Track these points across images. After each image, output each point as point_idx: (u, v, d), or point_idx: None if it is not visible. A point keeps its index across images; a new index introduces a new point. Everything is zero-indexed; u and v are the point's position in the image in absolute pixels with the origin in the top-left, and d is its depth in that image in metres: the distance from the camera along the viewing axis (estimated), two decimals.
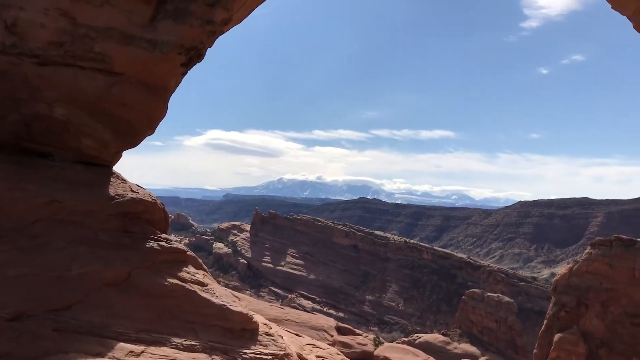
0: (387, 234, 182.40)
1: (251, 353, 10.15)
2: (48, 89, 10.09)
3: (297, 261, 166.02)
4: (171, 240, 11.34)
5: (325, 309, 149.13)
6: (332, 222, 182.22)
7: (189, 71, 11.25)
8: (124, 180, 11.90)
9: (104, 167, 11.88)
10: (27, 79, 10.03)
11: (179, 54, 9.82)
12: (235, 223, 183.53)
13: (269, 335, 11.13)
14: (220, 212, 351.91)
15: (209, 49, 11.12)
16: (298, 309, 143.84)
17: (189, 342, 9.58)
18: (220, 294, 10.98)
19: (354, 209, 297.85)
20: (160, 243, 10.86)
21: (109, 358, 8.29)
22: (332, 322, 61.19)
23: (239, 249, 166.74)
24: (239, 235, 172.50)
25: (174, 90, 11.34)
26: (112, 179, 11.62)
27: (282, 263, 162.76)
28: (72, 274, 9.52)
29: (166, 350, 9.13)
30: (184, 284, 10.48)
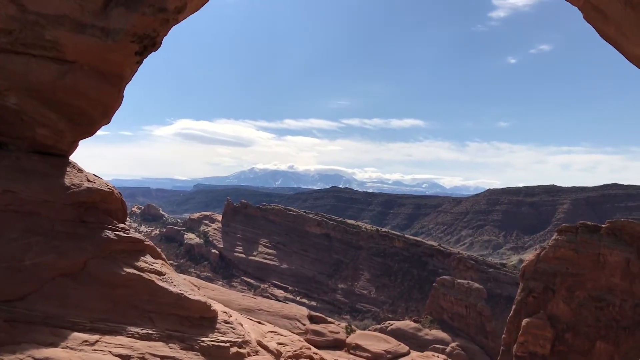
0: (359, 223, 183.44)
1: (209, 341, 10.22)
2: (2, 77, 9.91)
3: (270, 251, 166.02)
4: (128, 230, 11.29)
5: (298, 298, 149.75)
6: (304, 212, 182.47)
7: (144, 59, 11.18)
8: (80, 170, 11.77)
9: (60, 157, 11.73)
10: None
11: (131, 42, 9.76)
12: (207, 213, 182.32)
13: (228, 323, 11.20)
14: (192, 202, 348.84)
15: (165, 37, 11.06)
16: (270, 298, 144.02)
17: (145, 331, 9.61)
18: (178, 282, 11.00)
19: (326, 198, 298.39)
20: (117, 232, 10.81)
21: (62, 348, 8.27)
22: (304, 311, 61.50)
23: (210, 239, 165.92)
24: (210, 226, 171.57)
25: (129, 79, 11.24)
26: (68, 169, 11.49)
27: (255, 253, 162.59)
28: (26, 264, 9.44)
29: (122, 339, 9.14)
30: (141, 273, 10.47)
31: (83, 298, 9.46)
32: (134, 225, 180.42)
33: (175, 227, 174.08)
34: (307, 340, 56.12)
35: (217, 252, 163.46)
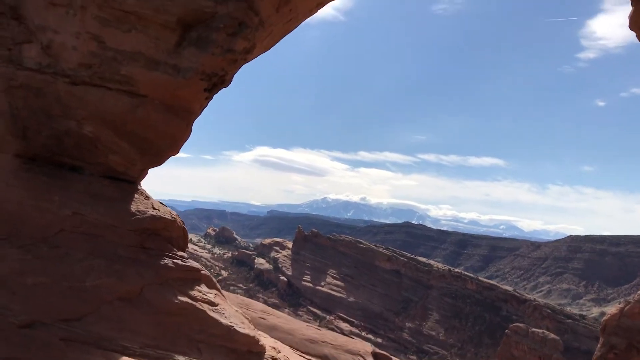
0: (431, 261, 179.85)
1: None
2: (78, 107, 10.60)
3: (337, 282, 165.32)
4: (187, 258, 11.60)
5: (363, 333, 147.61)
6: (375, 245, 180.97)
7: (214, 95, 11.63)
8: (147, 197, 12.28)
9: (130, 183, 12.30)
10: (60, 97, 10.56)
11: (201, 79, 10.17)
12: (278, 240, 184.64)
13: (275, 359, 11.19)
14: (264, 227, 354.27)
15: (241, 71, 11.50)
16: (336, 331, 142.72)
17: None
18: (229, 314, 11.15)
19: (398, 233, 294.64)
20: (175, 260, 11.13)
21: None
22: (368, 348, 60.35)
23: (280, 265, 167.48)
24: (280, 252, 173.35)
25: (198, 114, 11.71)
26: (136, 195, 12.01)
27: (322, 283, 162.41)
28: (87, 285, 9.89)
29: None
30: (194, 303, 10.69)
31: (136, 323, 9.77)
32: (208, 246, 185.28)
33: (247, 251, 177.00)
34: None
35: (286, 279, 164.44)
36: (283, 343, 60.96)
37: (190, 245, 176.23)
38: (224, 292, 14.03)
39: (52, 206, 10.86)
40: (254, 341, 10.92)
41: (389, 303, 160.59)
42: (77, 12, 9.63)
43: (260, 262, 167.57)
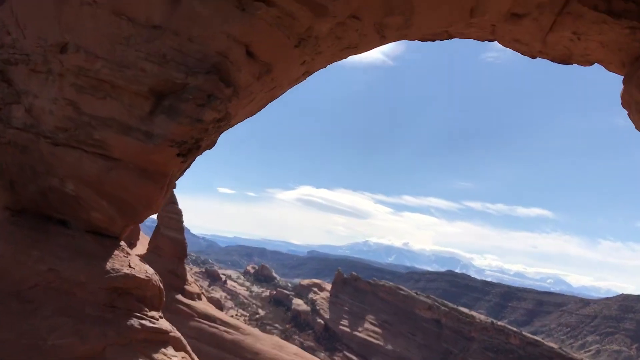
0: (473, 312, 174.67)
1: None
2: (59, 166, 11.01)
3: (375, 329, 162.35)
4: (157, 320, 11.66)
5: None
6: (416, 293, 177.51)
7: (196, 157, 11.89)
8: (127, 254, 12.49)
9: (112, 239, 12.57)
10: (43, 155, 11.01)
11: (170, 146, 10.43)
12: (317, 281, 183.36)
13: None
14: (304, 267, 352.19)
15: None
16: None
17: None
18: None
19: (440, 282, 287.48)
20: (142, 322, 11.22)
21: None
22: None
23: (317, 308, 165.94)
24: (319, 294, 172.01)
25: (177, 176, 11.98)
26: (116, 252, 12.24)
27: (360, 329, 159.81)
28: (48, 345, 10.05)
29: None
30: None
31: None
32: (247, 284, 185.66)
33: (285, 291, 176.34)
34: None
35: (323, 322, 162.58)
36: None
37: (229, 282, 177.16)
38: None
39: (29, 260, 11.16)
40: None
41: (428, 353, 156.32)
42: (55, 79, 10.13)
43: (298, 303, 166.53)
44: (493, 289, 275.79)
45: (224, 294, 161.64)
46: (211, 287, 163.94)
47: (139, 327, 11.06)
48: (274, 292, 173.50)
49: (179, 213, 71.20)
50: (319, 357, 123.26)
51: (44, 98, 10.26)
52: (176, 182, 12.81)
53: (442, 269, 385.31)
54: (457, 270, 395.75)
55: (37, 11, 10.18)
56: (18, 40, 10.39)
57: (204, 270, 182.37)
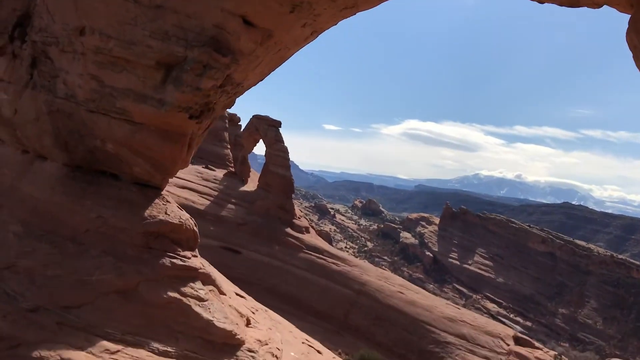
0: (591, 245, 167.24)
1: None
2: (96, 129, 12.92)
3: (486, 262, 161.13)
4: (188, 258, 13.52)
5: (511, 315, 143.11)
6: (528, 226, 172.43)
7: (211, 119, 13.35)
8: (166, 202, 14.39)
9: (154, 189, 14.52)
10: (84, 120, 12.94)
11: (179, 112, 11.92)
12: (425, 215, 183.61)
13: (252, 351, 12.78)
14: (411, 202, 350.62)
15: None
16: (482, 311, 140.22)
17: (165, 348, 11.68)
18: (215, 309, 12.91)
19: (556, 214, 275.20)
20: (173, 260, 13.11)
21: (86, 352, 10.72)
22: (510, 332, 59.53)
23: (425, 241, 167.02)
24: (427, 228, 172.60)
25: (198, 133, 13.51)
26: (156, 201, 14.16)
27: (469, 262, 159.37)
28: (93, 279, 12.22)
29: (141, 352, 11.33)
30: (182, 298, 12.60)
31: (124, 313, 11.90)
32: (355, 217, 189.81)
33: (393, 225, 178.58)
34: None
35: (431, 255, 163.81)
36: (421, 319, 61.11)
37: (337, 216, 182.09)
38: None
39: (83, 209, 13.36)
40: (231, 335, 12.57)
41: (542, 287, 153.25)
42: (79, 57, 11.85)
43: (406, 237, 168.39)
44: (614, 221, 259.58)
45: (333, 228, 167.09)
46: (320, 221, 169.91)
47: (169, 265, 12.96)
48: (382, 226, 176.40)
49: (285, 151, 74.24)
50: (427, 289, 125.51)
51: (73, 74, 12.06)
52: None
53: (558, 201, 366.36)
54: (574, 202, 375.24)
55: (60, 0, 11.83)
56: (49, 25, 12.17)
57: (313, 204, 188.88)
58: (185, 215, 14.40)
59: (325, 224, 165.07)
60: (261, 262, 61.84)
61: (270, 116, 78.84)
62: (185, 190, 67.03)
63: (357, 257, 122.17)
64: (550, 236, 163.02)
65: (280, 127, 76.54)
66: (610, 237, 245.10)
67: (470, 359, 49.47)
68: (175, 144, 12.91)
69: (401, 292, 59.04)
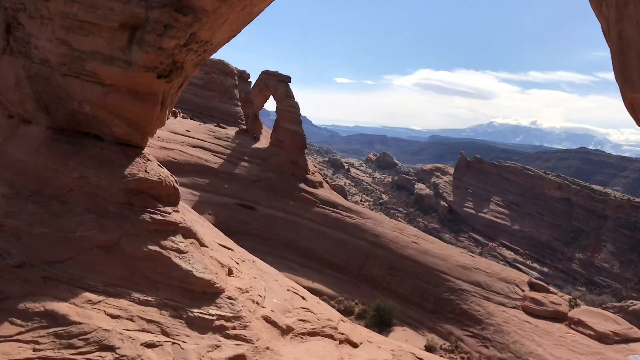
0: (608, 189, 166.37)
1: (197, 312, 12.67)
2: (72, 92, 13.37)
3: (501, 210, 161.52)
4: (168, 213, 14.14)
5: (528, 262, 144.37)
6: (544, 172, 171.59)
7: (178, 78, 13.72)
8: (146, 161, 14.93)
9: (135, 148, 15.05)
10: (59, 84, 13.39)
11: (145, 72, 12.31)
12: (439, 165, 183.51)
13: (231, 299, 13.49)
14: (425, 153, 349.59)
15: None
16: (498, 258, 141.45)
17: (146, 298, 12.41)
18: (195, 260, 13.59)
19: (572, 159, 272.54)
20: (153, 216, 13.74)
21: (69, 303, 11.47)
22: (524, 277, 60.26)
23: (440, 191, 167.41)
24: (441, 178, 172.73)
25: (171, 92, 13.90)
26: (137, 159, 14.71)
27: (485, 210, 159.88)
28: (76, 235, 12.90)
29: (122, 302, 12.07)
30: (162, 251, 13.27)
31: (106, 266, 12.60)
32: (369, 171, 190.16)
33: (407, 176, 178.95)
34: (524, 308, 55.21)
35: (447, 205, 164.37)
36: (435, 268, 61.92)
37: (352, 170, 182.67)
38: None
39: (66, 170, 13.95)
40: (210, 284, 13.27)
41: (558, 232, 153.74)
42: (47, 22, 12.20)
43: (421, 187, 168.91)
44: (631, 165, 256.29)
45: (347, 182, 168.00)
46: (335, 175, 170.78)
47: (149, 220, 13.59)
48: (396, 178, 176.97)
49: (295, 106, 74.29)
50: (443, 239, 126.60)
51: (43, 39, 12.45)
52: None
53: (574, 146, 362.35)
54: (590, 147, 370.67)
55: None
56: None
57: (327, 159, 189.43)
58: (165, 173, 14.94)
59: (339, 178, 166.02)
60: (276, 218, 63.02)
61: (280, 71, 78.56)
62: (199, 150, 67.89)
63: (372, 209, 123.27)
64: (566, 182, 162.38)
65: (290, 82, 76.36)
66: (627, 180, 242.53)
67: (485, 305, 50.42)
68: (146, 103, 13.35)
69: (415, 242, 59.88)
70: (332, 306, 51.49)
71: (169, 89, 13.68)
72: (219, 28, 13.16)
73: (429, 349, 43.88)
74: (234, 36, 14.29)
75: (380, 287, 55.51)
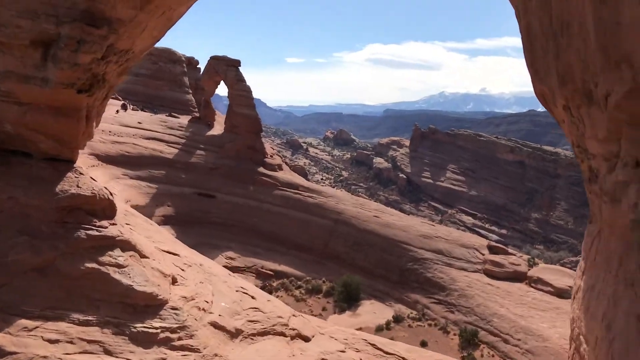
0: (559, 149, 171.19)
1: (141, 326, 12.55)
2: None
3: (458, 177, 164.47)
4: (104, 228, 13.88)
5: (487, 226, 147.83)
6: (496, 137, 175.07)
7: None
8: (79, 175, 14.56)
9: (67, 162, 14.64)
10: None
11: (64, 88, 11.95)
12: (395, 138, 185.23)
13: (175, 309, 13.42)
14: (381, 127, 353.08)
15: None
16: (458, 224, 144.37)
17: (86, 318, 12.21)
18: (135, 274, 13.42)
19: (522, 123, 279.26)
20: (88, 232, 13.45)
21: (4, 332, 11.19)
22: (484, 242, 61.68)
23: (398, 164, 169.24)
24: (398, 151, 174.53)
25: (95, 104, 13.56)
26: (68, 174, 14.31)
27: (442, 178, 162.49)
28: (8, 260, 12.56)
29: (61, 325, 11.85)
30: (100, 267, 13.04)
31: (42, 289, 12.32)
32: (327, 149, 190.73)
33: (365, 152, 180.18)
34: (485, 271, 56.46)
35: (405, 176, 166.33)
36: (398, 239, 62.97)
37: (310, 149, 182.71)
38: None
39: None
40: (152, 297, 13.14)
41: (513, 195, 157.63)
42: None
43: (379, 162, 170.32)
44: None
45: (307, 161, 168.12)
46: (294, 156, 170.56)
47: (85, 237, 13.31)
48: (355, 154, 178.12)
49: (248, 90, 73.43)
50: (404, 210, 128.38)
51: None
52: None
53: (524, 110, 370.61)
54: (539, 110, 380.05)
55: None
56: None
57: (285, 141, 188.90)
58: (98, 186, 14.61)
59: (299, 159, 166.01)
60: (237, 204, 62.72)
61: (229, 56, 77.41)
62: (152, 141, 66.66)
63: (333, 187, 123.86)
64: (518, 145, 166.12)
65: (240, 66, 75.36)
66: None
67: (448, 271, 51.66)
68: (70, 118, 13.01)
69: (377, 217, 60.70)
70: (300, 286, 52.21)
71: (92, 102, 13.34)
72: (139, 36, 12.85)
73: (397, 319, 44.94)
74: (158, 41, 13.98)
75: (346, 264, 56.25)
